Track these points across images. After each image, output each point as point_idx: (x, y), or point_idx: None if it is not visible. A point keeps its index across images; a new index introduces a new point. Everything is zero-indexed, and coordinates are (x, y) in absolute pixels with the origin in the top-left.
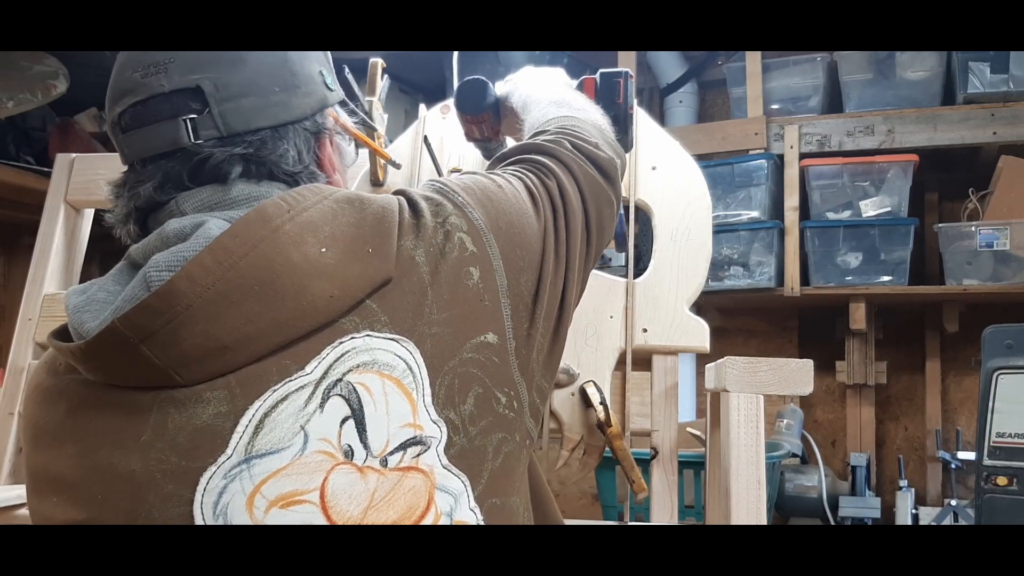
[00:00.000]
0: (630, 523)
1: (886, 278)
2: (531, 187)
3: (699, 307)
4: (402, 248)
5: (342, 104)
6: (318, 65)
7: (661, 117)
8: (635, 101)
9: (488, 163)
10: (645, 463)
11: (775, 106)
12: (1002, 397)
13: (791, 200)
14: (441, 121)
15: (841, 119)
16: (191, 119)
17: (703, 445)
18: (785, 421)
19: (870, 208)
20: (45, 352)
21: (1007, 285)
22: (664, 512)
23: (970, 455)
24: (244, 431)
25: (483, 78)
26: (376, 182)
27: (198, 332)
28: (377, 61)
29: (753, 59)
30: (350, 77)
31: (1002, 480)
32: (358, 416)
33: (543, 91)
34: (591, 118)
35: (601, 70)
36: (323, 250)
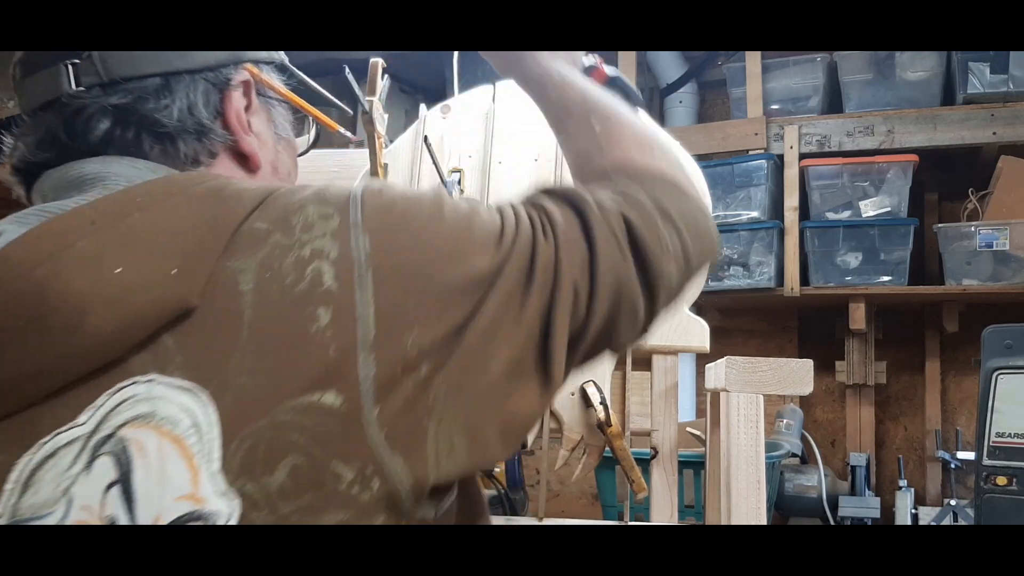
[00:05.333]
0: (630, 523)
1: (886, 278)
2: (505, 229)
3: (699, 307)
4: (224, 270)
5: (280, 69)
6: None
7: (661, 117)
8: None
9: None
10: (645, 463)
11: (775, 106)
12: (1002, 397)
13: (791, 200)
14: (441, 121)
15: (841, 119)
16: (73, 63)
17: (703, 445)
18: (785, 421)
19: (870, 208)
20: None
21: (1007, 285)
22: (664, 512)
23: (970, 455)
24: (13, 488)
25: None
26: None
27: None
28: (377, 61)
29: (753, 59)
30: (350, 76)
31: (1002, 480)
32: (126, 481)
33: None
34: (684, 197)
35: (611, 74)
36: (118, 270)
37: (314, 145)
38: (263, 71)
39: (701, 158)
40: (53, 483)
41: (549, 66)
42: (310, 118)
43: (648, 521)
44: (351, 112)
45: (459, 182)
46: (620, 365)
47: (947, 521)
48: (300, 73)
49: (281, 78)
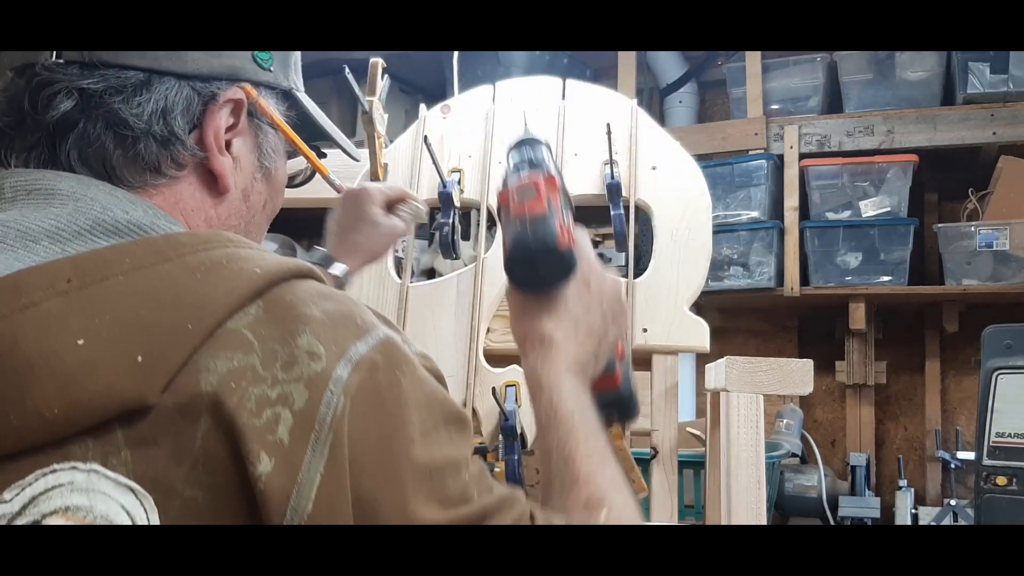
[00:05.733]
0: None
1: (886, 278)
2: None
3: (699, 307)
4: (196, 367)
5: (285, 96)
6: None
7: (661, 117)
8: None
9: None
10: (645, 463)
11: (775, 106)
12: (1001, 397)
13: (791, 200)
14: (441, 121)
15: (841, 119)
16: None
17: (703, 445)
18: (785, 421)
19: (870, 208)
20: None
21: (1006, 285)
22: (664, 512)
23: (969, 455)
24: None
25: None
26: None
27: None
28: (377, 61)
29: (753, 59)
30: (350, 77)
31: (1001, 480)
32: None
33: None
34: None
35: (623, 390)
36: (80, 342)
37: (305, 183)
38: (262, 94)
39: (701, 158)
40: None
41: (551, 376)
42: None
43: (648, 521)
44: (356, 159)
45: (459, 182)
46: None
47: (947, 521)
48: (308, 105)
49: (283, 106)
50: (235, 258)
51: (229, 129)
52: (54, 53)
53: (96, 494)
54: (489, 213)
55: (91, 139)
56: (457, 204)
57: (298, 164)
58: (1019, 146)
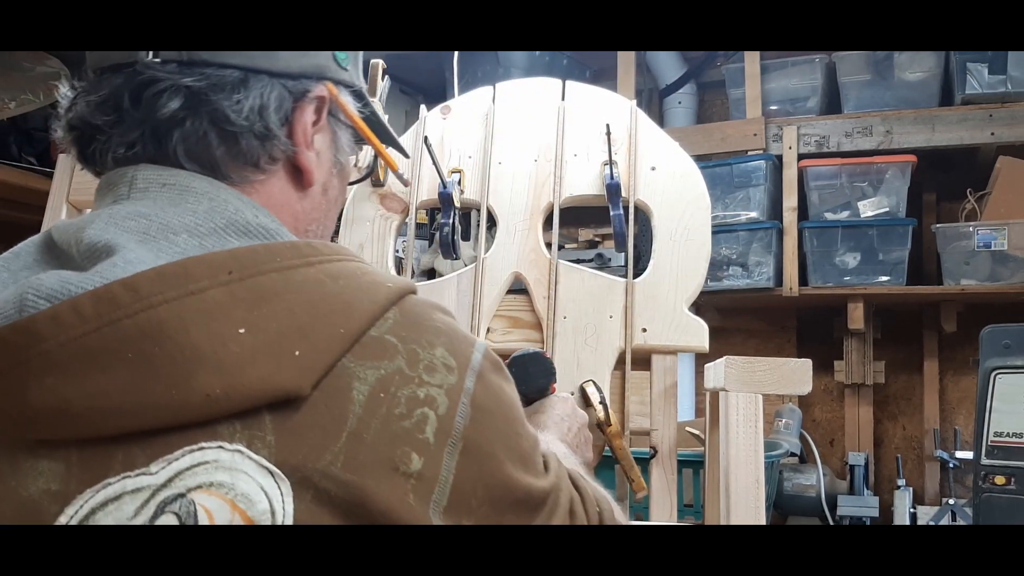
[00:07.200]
0: (630, 522)
1: (884, 278)
2: (549, 467)
3: (698, 307)
4: (343, 368)
5: (356, 96)
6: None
7: (660, 118)
8: None
9: None
10: (644, 462)
11: (774, 107)
12: (1000, 397)
13: (789, 201)
14: (442, 122)
15: (839, 120)
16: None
17: (702, 444)
18: (784, 420)
19: (868, 208)
20: None
21: (1005, 285)
22: (663, 511)
23: (968, 454)
24: (67, 523)
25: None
26: (376, 183)
27: (46, 385)
28: (378, 62)
29: (752, 60)
30: None
31: (1000, 479)
32: None
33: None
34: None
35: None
36: (241, 331)
37: (364, 179)
38: (340, 92)
39: (700, 159)
40: None
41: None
42: (370, 150)
43: (647, 521)
44: (407, 156)
45: (459, 182)
46: (620, 365)
47: (945, 520)
48: (375, 104)
49: (357, 104)
50: (367, 271)
51: (313, 125)
52: (150, 52)
53: (239, 473)
54: (489, 213)
55: (197, 135)
56: (457, 204)
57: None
58: (1017, 146)
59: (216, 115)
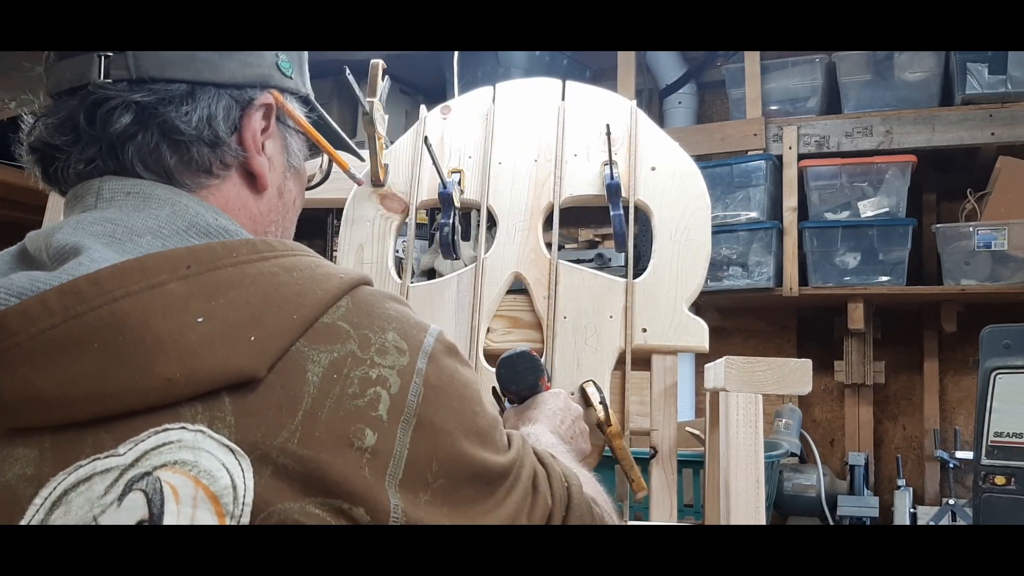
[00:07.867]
0: (629, 522)
1: (884, 278)
2: (512, 444)
3: (698, 307)
4: (297, 352)
5: (304, 102)
6: (279, 53)
7: (660, 118)
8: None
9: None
10: (644, 462)
11: (774, 107)
12: (1000, 397)
13: (790, 201)
14: (442, 122)
15: (839, 120)
16: (106, 56)
17: (702, 444)
18: (784, 420)
19: (868, 209)
20: None
21: (1005, 285)
22: (663, 511)
23: (968, 454)
24: (42, 505)
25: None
26: (377, 183)
27: (19, 376)
28: (378, 62)
29: (752, 60)
30: (350, 78)
31: (1000, 479)
32: (156, 522)
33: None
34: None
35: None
36: (199, 320)
37: (323, 182)
38: (287, 99)
39: (700, 159)
40: (84, 508)
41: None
42: (324, 153)
43: (647, 521)
44: (362, 159)
45: (459, 182)
46: (620, 365)
47: (946, 520)
48: (321, 109)
49: (303, 110)
50: (321, 264)
51: (262, 132)
52: (102, 73)
53: (201, 452)
54: (489, 213)
55: (149, 147)
56: (457, 205)
57: (311, 166)
58: (1017, 146)
59: (166, 126)
